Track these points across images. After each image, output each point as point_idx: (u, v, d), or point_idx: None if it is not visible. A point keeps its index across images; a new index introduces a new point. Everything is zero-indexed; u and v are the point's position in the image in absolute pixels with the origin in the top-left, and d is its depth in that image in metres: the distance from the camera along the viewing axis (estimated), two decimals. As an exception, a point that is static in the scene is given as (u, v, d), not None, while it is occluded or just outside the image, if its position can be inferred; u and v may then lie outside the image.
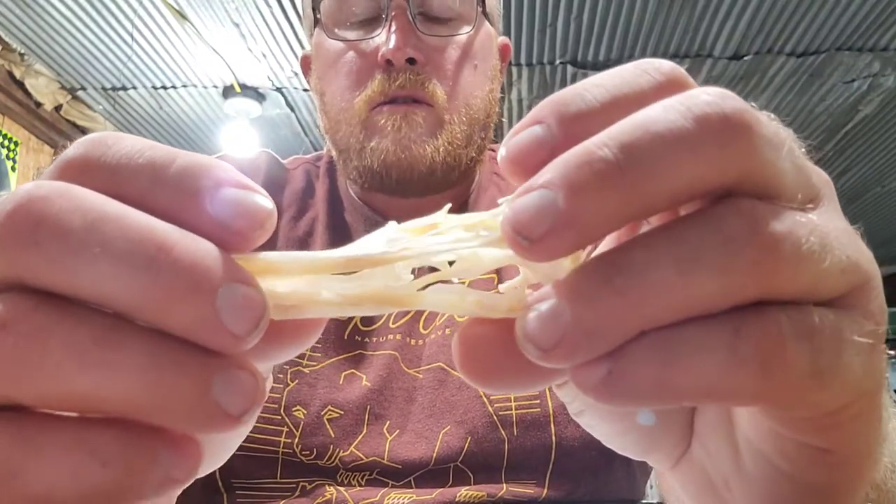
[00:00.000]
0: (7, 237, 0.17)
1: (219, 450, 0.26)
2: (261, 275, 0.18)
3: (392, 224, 0.20)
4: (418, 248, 0.19)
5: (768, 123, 0.18)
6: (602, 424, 0.26)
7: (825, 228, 0.18)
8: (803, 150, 0.20)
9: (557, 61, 2.59)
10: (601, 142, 0.16)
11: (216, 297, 0.17)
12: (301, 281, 0.19)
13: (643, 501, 0.62)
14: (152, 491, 0.17)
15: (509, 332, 0.18)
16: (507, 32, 2.38)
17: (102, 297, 0.17)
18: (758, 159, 0.17)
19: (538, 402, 0.54)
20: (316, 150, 2.55)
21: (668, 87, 0.18)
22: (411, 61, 0.61)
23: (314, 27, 0.68)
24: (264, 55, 2.56)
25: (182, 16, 2.33)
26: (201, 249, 0.17)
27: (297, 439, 0.54)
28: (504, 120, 2.96)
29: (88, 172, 0.18)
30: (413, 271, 0.20)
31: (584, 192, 0.16)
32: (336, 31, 0.65)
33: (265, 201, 0.18)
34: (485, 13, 0.67)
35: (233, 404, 0.17)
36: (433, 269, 0.20)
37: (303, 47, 2.47)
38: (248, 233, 0.18)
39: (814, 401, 0.18)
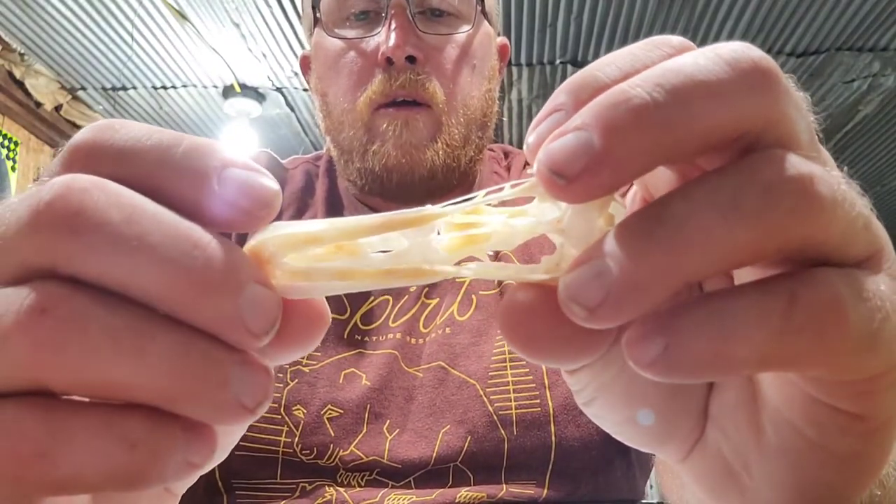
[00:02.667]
0: (46, 225, 0.17)
1: (223, 443, 0.26)
2: (302, 247, 0.19)
3: (432, 211, 0.20)
4: (453, 209, 0.19)
5: (787, 81, 0.18)
6: (611, 415, 0.26)
7: (847, 185, 0.18)
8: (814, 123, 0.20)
9: (557, 61, 2.59)
10: (634, 83, 0.17)
11: (240, 296, 0.17)
12: (339, 260, 0.20)
13: (643, 501, 0.62)
14: (173, 475, 0.18)
15: (554, 299, 0.18)
16: (507, 32, 2.38)
17: (134, 288, 0.17)
18: (782, 109, 0.18)
19: (538, 401, 0.54)
20: (316, 149, 2.55)
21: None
22: (411, 59, 0.61)
23: (314, 27, 0.68)
24: (264, 55, 2.56)
25: (182, 16, 2.33)
26: (230, 249, 0.18)
27: (297, 438, 0.54)
28: (504, 120, 2.96)
29: (97, 156, 0.19)
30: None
31: (619, 129, 0.16)
32: (336, 30, 0.65)
33: (271, 182, 0.19)
34: (484, 12, 0.67)
35: (249, 396, 0.18)
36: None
37: (303, 47, 2.47)
38: (254, 212, 0.18)
39: (864, 364, 0.18)
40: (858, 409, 0.19)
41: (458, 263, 0.20)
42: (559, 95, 0.19)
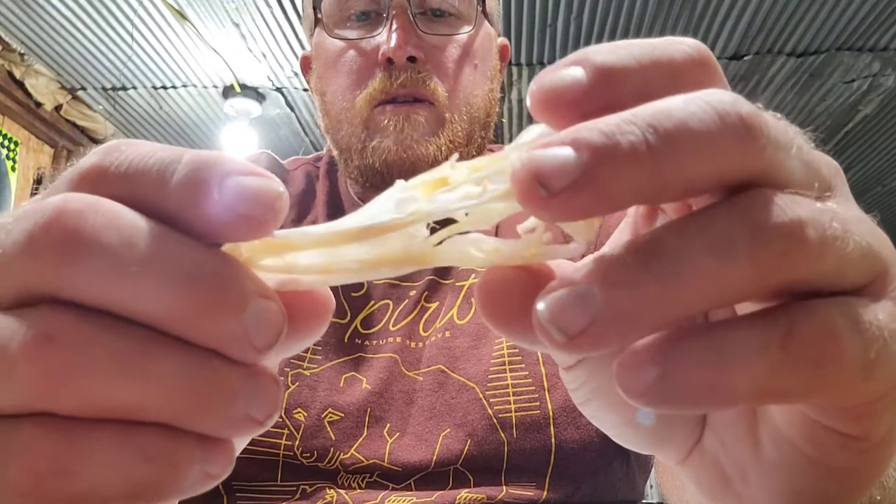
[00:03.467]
0: (44, 250, 0.17)
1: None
2: (278, 252, 0.19)
3: (400, 183, 0.20)
4: (428, 209, 0.19)
5: (776, 125, 0.18)
6: (609, 416, 0.25)
7: (844, 216, 0.18)
8: (811, 143, 0.20)
9: (557, 61, 2.59)
10: (628, 119, 0.17)
11: (243, 315, 0.17)
12: (319, 253, 0.19)
13: (643, 502, 0.62)
14: (190, 487, 0.18)
15: (531, 277, 0.18)
16: (507, 32, 2.38)
17: (136, 311, 0.17)
18: (769, 159, 0.17)
19: (538, 403, 0.54)
20: (316, 150, 2.55)
21: (699, 63, 0.19)
22: (412, 60, 0.61)
23: (314, 27, 0.68)
24: (264, 55, 2.56)
25: (182, 16, 2.33)
26: (229, 265, 0.18)
27: (297, 442, 0.54)
28: (504, 120, 2.96)
29: (104, 180, 0.19)
30: (427, 225, 0.20)
31: (611, 158, 0.16)
32: (336, 30, 0.65)
33: (274, 185, 0.18)
34: (484, 13, 0.67)
35: (258, 409, 0.18)
36: (448, 221, 0.20)
37: (303, 47, 2.47)
38: (260, 218, 0.18)
39: (861, 392, 0.18)
40: (856, 430, 0.19)
41: (439, 244, 0.20)
42: (578, 54, 0.18)
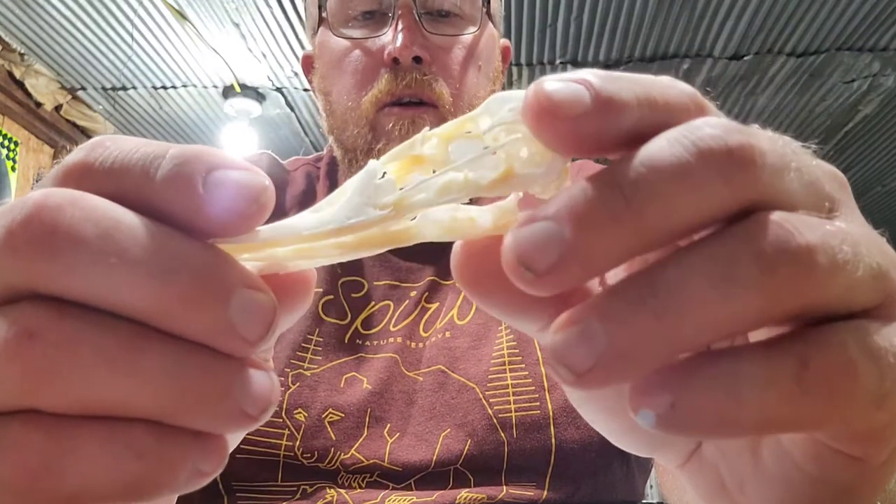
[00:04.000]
0: (22, 246, 0.17)
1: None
2: (260, 250, 0.19)
3: (373, 164, 0.20)
4: (408, 203, 0.19)
5: (772, 150, 0.17)
6: (606, 420, 0.25)
7: (854, 236, 0.17)
8: (812, 156, 0.19)
9: (557, 61, 2.59)
10: (607, 178, 0.16)
11: (228, 305, 0.17)
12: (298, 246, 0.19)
13: (643, 502, 0.62)
14: (183, 484, 0.18)
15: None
16: (507, 32, 2.38)
17: (119, 305, 0.17)
18: (764, 188, 0.17)
19: (538, 404, 0.54)
20: (316, 150, 2.55)
21: (695, 107, 0.18)
22: (417, 60, 0.62)
23: (318, 26, 0.68)
24: (264, 55, 2.56)
25: (182, 16, 2.33)
26: (213, 256, 0.18)
27: (298, 442, 0.54)
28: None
29: (89, 176, 0.18)
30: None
31: (591, 225, 0.16)
32: (341, 29, 0.66)
33: (259, 178, 0.18)
34: (489, 14, 0.67)
35: (252, 405, 0.18)
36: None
37: (303, 47, 2.47)
38: (245, 211, 0.18)
39: (872, 420, 0.18)
40: (861, 452, 0.19)
41: (414, 219, 0.20)
42: (585, 73, 0.17)
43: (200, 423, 0.18)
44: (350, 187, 0.20)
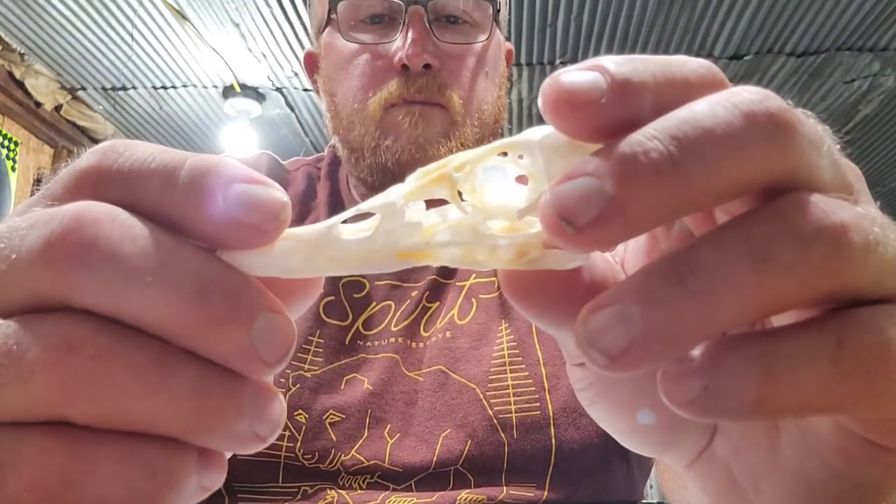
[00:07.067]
0: (59, 258, 0.17)
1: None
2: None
3: (395, 190, 0.19)
4: (431, 252, 0.19)
5: (808, 122, 0.17)
6: (617, 421, 0.25)
7: (881, 220, 0.17)
8: (837, 146, 0.19)
9: (557, 61, 2.59)
10: (651, 133, 0.16)
11: (252, 328, 0.17)
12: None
13: (643, 502, 0.62)
14: (187, 499, 0.18)
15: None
16: (507, 33, 2.38)
17: (149, 323, 0.17)
18: (801, 157, 0.17)
19: (538, 404, 0.54)
20: (316, 150, 2.54)
21: (712, 82, 0.18)
22: (427, 67, 0.62)
23: (325, 26, 0.68)
24: (264, 55, 2.56)
25: (182, 16, 2.33)
26: (240, 278, 0.18)
27: (298, 443, 0.54)
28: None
29: (104, 182, 0.18)
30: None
31: (635, 180, 0.16)
32: (350, 32, 0.66)
33: (278, 193, 0.18)
34: (496, 21, 0.68)
35: (263, 427, 0.18)
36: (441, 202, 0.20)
37: (303, 47, 2.47)
38: (263, 226, 0.18)
39: None
40: (892, 442, 0.19)
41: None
42: (599, 60, 0.17)
43: (213, 441, 0.18)
44: (373, 221, 0.19)
